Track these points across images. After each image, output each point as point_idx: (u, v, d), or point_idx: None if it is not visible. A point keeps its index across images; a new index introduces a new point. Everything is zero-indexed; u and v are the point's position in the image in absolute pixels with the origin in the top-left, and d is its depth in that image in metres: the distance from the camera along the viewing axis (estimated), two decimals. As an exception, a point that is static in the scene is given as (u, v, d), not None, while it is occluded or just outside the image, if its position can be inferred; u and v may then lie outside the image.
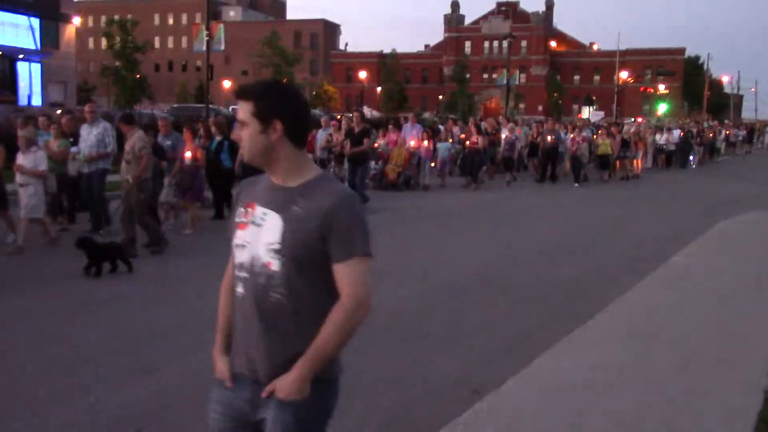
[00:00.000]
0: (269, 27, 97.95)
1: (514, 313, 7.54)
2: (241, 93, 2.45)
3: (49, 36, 47.89)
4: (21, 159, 10.16)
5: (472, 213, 15.78)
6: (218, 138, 13.36)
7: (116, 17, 53.27)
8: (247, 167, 12.65)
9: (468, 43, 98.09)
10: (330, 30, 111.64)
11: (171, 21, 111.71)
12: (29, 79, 46.05)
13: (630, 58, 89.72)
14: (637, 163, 25.66)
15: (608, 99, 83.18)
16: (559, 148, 22.56)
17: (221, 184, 13.26)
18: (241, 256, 2.46)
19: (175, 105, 55.86)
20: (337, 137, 17.81)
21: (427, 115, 70.79)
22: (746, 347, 6.07)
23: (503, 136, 22.67)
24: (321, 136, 18.16)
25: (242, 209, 2.51)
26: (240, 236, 2.48)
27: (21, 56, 44.92)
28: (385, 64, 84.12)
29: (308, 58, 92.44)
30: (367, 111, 68.16)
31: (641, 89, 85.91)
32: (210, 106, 27.02)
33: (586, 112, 71.11)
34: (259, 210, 2.44)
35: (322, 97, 76.15)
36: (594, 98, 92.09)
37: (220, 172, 13.06)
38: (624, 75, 77.58)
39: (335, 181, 2.51)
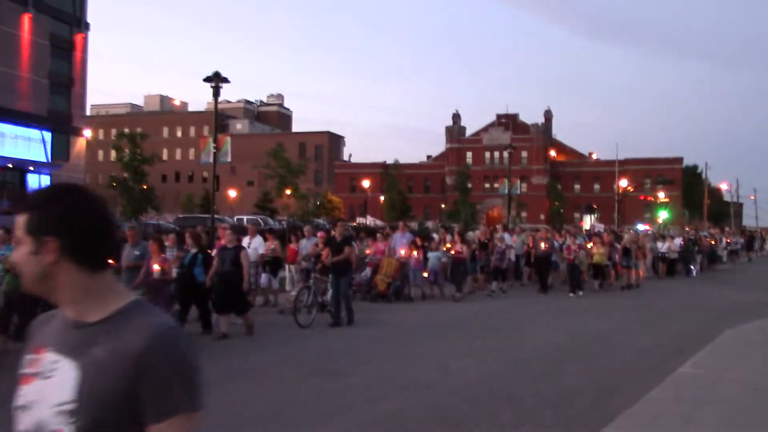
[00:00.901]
0: (275, 139, 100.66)
1: (521, 424, 7.38)
2: (16, 203, 1.88)
3: (60, 148, 49.16)
4: None
5: (469, 323, 15.44)
6: (193, 251, 13.20)
7: (126, 130, 54.73)
8: (225, 279, 12.61)
9: (469, 154, 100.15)
10: (334, 141, 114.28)
11: (179, 134, 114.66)
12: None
13: (629, 167, 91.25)
14: (639, 273, 25.59)
15: (609, 207, 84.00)
16: (552, 256, 22.33)
17: (199, 298, 13.05)
18: (23, 423, 1.81)
19: (181, 215, 56.57)
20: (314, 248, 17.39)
21: (430, 224, 71.53)
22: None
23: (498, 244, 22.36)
24: (305, 246, 17.89)
25: (29, 356, 1.88)
26: (23, 395, 1.83)
27: (31, 168, 45.89)
28: (388, 174, 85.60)
29: (313, 169, 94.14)
30: (371, 220, 68.92)
31: (641, 197, 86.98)
32: (216, 216, 27.34)
33: (588, 221, 71.57)
34: (48, 356, 1.82)
35: (326, 206, 77.06)
36: (595, 206, 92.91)
37: (194, 286, 12.87)
38: (623, 183, 78.74)
39: (151, 312, 1.85)
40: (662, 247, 29.52)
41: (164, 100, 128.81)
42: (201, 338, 12.38)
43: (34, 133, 47.37)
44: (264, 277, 17.25)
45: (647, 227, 53.30)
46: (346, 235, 15.61)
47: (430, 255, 20.36)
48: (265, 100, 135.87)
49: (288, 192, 46.31)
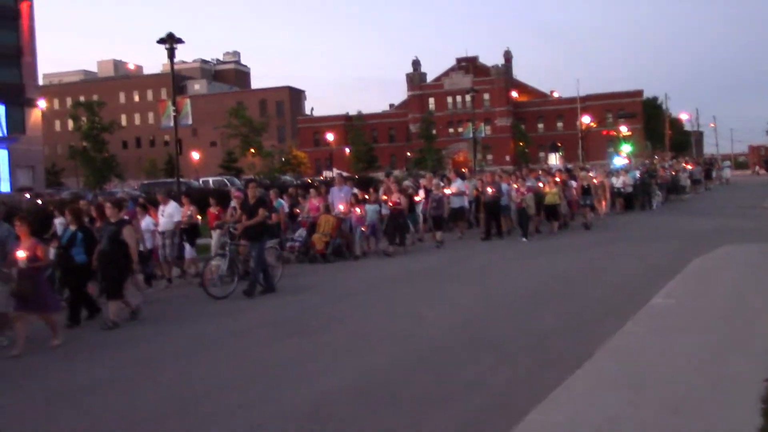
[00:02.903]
0: (235, 97, 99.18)
1: (501, 368, 7.51)
2: None
3: (15, 121, 47.97)
4: None
5: (429, 275, 14.88)
6: (72, 228, 11.68)
7: (82, 99, 53.50)
8: (103, 259, 11.06)
9: (432, 100, 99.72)
10: (295, 96, 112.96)
11: (137, 98, 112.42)
12: (-5, 165, 45.86)
13: (590, 103, 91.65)
14: (600, 209, 25.32)
15: (573, 144, 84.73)
16: (501, 200, 20.84)
17: (75, 282, 11.47)
18: None
19: (145, 181, 55.85)
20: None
21: (396, 172, 71.47)
22: (735, 385, 6.10)
23: (448, 191, 21.26)
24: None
25: None
26: None
27: (-13, 143, 44.84)
28: (352, 126, 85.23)
29: (275, 126, 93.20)
30: (338, 172, 68.66)
31: (603, 132, 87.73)
32: (181, 179, 27.04)
33: (553, 159, 72.17)
34: None
35: (291, 162, 76.55)
36: (559, 144, 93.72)
37: (73, 268, 11.45)
38: (586, 120, 79.24)
39: None
40: (617, 182, 28.89)
41: (118, 64, 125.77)
42: (88, 324, 11.23)
43: (-14, 107, 46.08)
44: (187, 248, 15.87)
45: (626, 161, 53.34)
46: (259, 196, 14.33)
47: (368, 208, 18.71)
48: (221, 58, 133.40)
49: (252, 151, 45.81)
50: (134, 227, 12.61)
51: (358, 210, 18.05)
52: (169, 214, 15.38)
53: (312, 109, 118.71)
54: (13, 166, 46.89)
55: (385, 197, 19.39)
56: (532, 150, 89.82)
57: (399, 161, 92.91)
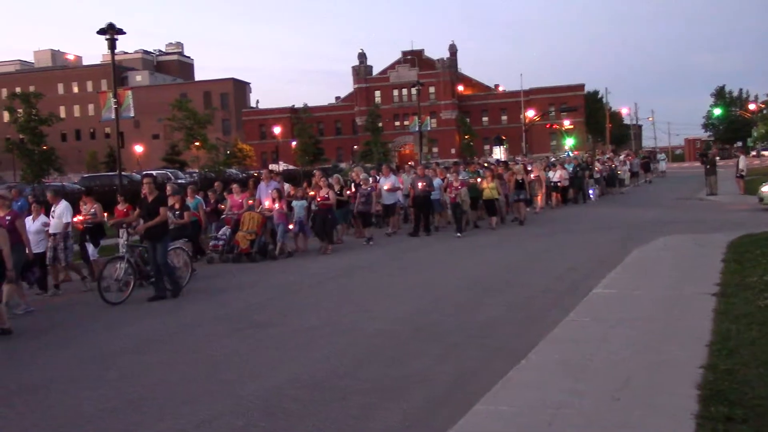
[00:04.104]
0: (178, 89, 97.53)
1: (448, 358, 7.63)
2: None
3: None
4: None
5: (365, 271, 14.69)
6: None
7: (18, 89, 51.93)
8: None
9: (378, 93, 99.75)
10: (239, 88, 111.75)
11: (76, 89, 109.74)
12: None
13: (534, 96, 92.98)
14: (537, 204, 25.62)
15: (517, 137, 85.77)
16: (431, 195, 20.30)
17: None
18: None
19: (86, 175, 54.58)
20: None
21: (343, 165, 71.39)
22: (673, 373, 6.31)
23: (385, 186, 20.71)
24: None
25: None
26: None
27: None
28: (298, 118, 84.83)
29: (220, 118, 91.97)
30: (283, 165, 68.26)
31: (547, 126, 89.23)
32: (123, 173, 26.54)
33: (498, 152, 73.01)
34: None
35: (237, 156, 75.69)
36: (504, 138, 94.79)
37: None
38: (530, 114, 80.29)
39: None
40: (554, 176, 28.75)
41: (56, 55, 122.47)
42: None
43: None
44: (90, 249, 15.00)
45: (575, 153, 53.86)
46: (159, 194, 13.26)
47: (295, 204, 18.05)
48: (164, 49, 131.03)
49: (197, 144, 45.17)
50: (18, 228, 11.64)
51: (277, 206, 17.24)
52: (59, 214, 14.10)
53: (257, 101, 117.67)
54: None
55: (312, 192, 18.73)
56: (477, 143, 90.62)
57: (345, 154, 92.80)
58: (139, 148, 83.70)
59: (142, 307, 11.83)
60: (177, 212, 15.37)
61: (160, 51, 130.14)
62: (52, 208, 14.28)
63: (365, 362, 7.68)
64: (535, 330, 8.35)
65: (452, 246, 17.98)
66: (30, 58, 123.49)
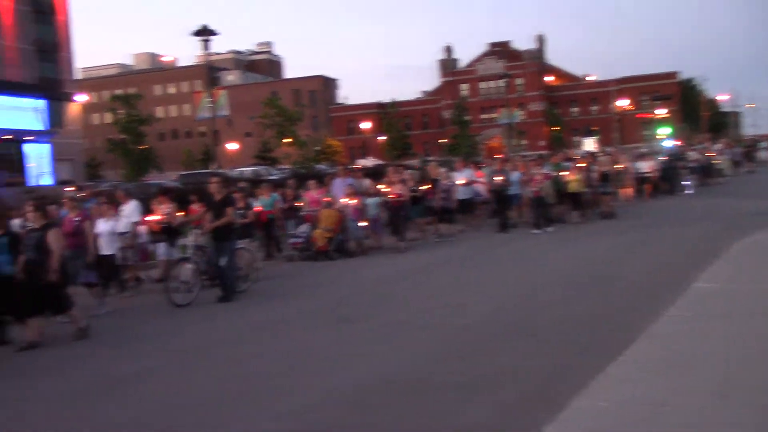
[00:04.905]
0: (268, 87, 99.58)
1: (540, 354, 7.49)
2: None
3: (55, 116, 48.85)
4: None
5: (448, 266, 14.49)
6: None
7: (119, 92, 54.28)
8: (32, 269, 9.66)
9: (464, 86, 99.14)
10: (328, 85, 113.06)
11: (172, 90, 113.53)
12: (37, 159, 46.79)
13: (625, 86, 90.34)
14: (628, 195, 24.74)
15: (608, 128, 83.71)
16: (509, 190, 19.61)
17: (5, 295, 9.93)
18: None
19: (183, 173, 56.49)
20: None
21: (430, 159, 71.17)
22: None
23: (460, 181, 19.94)
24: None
25: None
26: None
27: (29, 138, 45.71)
28: (386, 113, 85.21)
29: (309, 115, 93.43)
30: (372, 161, 68.72)
31: (638, 116, 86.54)
32: (219, 170, 27.37)
33: (587, 143, 71.42)
34: None
35: (326, 151, 76.72)
36: (594, 129, 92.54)
37: None
38: (621, 103, 78.13)
39: None
40: (644, 167, 27.41)
41: (153, 57, 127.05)
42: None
43: (28, 102, 46.96)
44: (161, 247, 14.81)
45: (679, 143, 51.74)
46: (228, 194, 13.06)
47: (368, 201, 17.60)
48: (254, 48, 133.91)
49: (287, 140, 46.08)
50: (86, 230, 11.83)
51: (352, 202, 16.88)
52: (128, 214, 14.05)
53: (346, 97, 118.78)
54: (55, 160, 47.79)
55: (387, 189, 18.04)
56: (566, 134, 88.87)
57: (433, 148, 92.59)
58: (233, 146, 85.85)
59: (219, 306, 11.84)
60: (241, 211, 15.04)
61: (250, 51, 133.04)
62: (122, 208, 14.21)
63: (454, 357, 7.62)
64: (631, 325, 8.11)
65: (537, 241, 17.48)
66: (129, 62, 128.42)
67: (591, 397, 5.74)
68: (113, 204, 14.40)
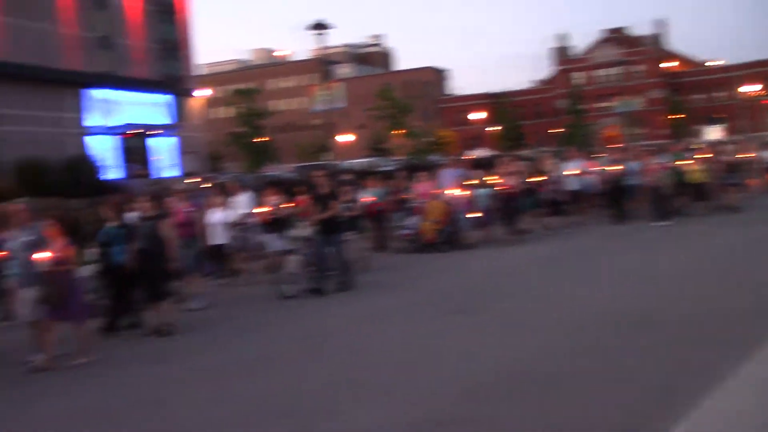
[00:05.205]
0: (381, 79, 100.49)
1: (669, 350, 7.24)
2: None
3: (179, 110, 51.33)
4: None
5: (563, 260, 14.13)
6: (111, 224, 10.59)
7: (237, 86, 56.17)
8: (145, 258, 9.88)
9: (578, 74, 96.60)
10: (439, 76, 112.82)
11: (288, 83, 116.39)
12: (164, 153, 49.33)
13: (752, 70, 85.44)
14: (754, 183, 23.36)
15: (735, 115, 79.54)
16: (624, 180, 18.86)
17: (115, 286, 10.37)
18: None
19: (298, 164, 57.99)
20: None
21: (544, 149, 69.87)
22: None
23: (570, 171, 19.43)
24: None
25: None
26: None
27: (156, 132, 48.19)
28: (499, 103, 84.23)
29: (421, 106, 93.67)
30: (483, 151, 68.16)
31: (765, 102, 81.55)
32: (333, 161, 27.92)
33: (711, 132, 68.08)
34: None
35: (438, 143, 76.70)
36: (720, 116, 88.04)
37: (111, 270, 10.35)
38: (749, 89, 73.92)
39: None
40: None
41: (270, 52, 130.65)
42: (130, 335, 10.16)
43: (154, 97, 49.60)
44: (270, 238, 14.38)
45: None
46: (331, 187, 13.15)
47: (478, 192, 17.25)
48: (365, 41, 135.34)
49: (401, 131, 46.40)
50: (196, 221, 12.20)
51: (460, 194, 16.64)
52: (239, 205, 14.19)
53: (457, 88, 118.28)
54: (180, 152, 50.35)
55: (498, 180, 17.68)
56: (689, 123, 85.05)
57: (546, 138, 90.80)
58: (349, 137, 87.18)
59: (329, 297, 11.97)
60: (348, 204, 14.88)
61: (362, 44, 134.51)
62: (233, 199, 14.33)
63: (578, 352, 7.48)
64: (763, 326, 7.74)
65: (657, 234, 16.74)
66: (244, 57, 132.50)
67: (725, 399, 5.55)
68: (225, 195, 14.61)
